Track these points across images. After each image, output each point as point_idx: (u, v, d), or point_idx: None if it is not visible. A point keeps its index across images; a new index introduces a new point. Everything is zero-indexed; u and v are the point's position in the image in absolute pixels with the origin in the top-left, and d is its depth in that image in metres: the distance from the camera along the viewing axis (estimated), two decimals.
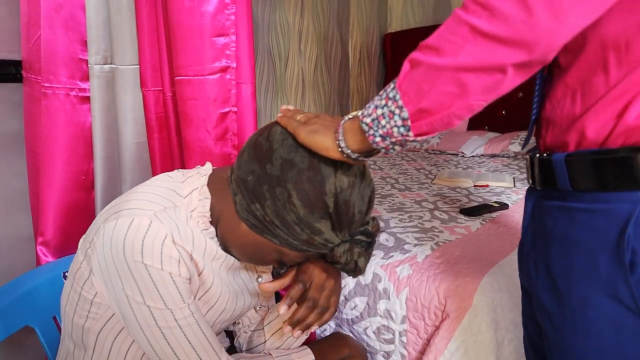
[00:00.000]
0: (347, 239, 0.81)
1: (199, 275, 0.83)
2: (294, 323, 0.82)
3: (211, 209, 0.84)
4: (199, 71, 1.00)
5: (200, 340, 0.79)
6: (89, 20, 1.11)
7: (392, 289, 1.18)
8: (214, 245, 0.85)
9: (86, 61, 1.14)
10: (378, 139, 0.61)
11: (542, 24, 0.47)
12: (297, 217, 0.75)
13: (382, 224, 1.46)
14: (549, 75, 0.67)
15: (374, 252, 1.26)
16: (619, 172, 0.56)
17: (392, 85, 0.59)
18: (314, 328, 0.84)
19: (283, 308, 0.81)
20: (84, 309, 0.84)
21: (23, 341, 1.08)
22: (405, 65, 0.57)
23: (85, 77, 1.14)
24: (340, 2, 3.22)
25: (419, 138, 0.58)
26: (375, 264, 1.23)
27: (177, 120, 1.11)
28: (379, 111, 0.60)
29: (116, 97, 1.16)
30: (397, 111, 0.58)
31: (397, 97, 0.57)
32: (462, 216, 1.55)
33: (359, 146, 0.65)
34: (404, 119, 0.57)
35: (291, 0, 2.89)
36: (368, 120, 0.61)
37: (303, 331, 0.83)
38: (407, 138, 0.59)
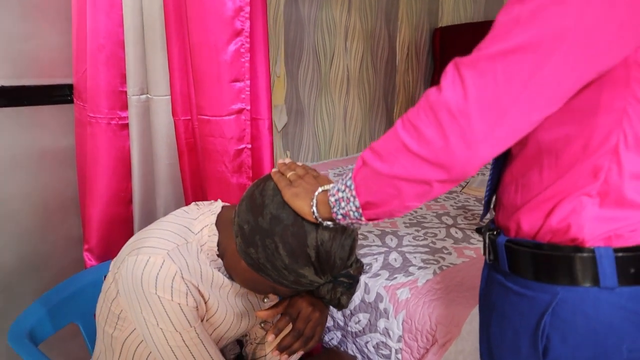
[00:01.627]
0: (331, 280, 0.92)
1: (205, 302, 0.96)
2: (281, 348, 0.95)
3: (218, 244, 0.97)
4: (217, 112, 1.12)
5: (204, 357, 0.94)
6: (127, 57, 1.25)
7: (391, 309, 1.28)
8: (221, 276, 0.98)
9: (125, 92, 1.28)
10: (340, 217, 0.71)
11: (457, 153, 0.54)
12: (284, 264, 0.86)
13: (393, 243, 1.54)
14: (505, 157, 0.73)
15: (379, 272, 1.37)
16: (543, 266, 0.63)
17: (350, 174, 0.68)
18: (299, 354, 0.96)
19: (271, 337, 0.93)
20: (112, 320, 1.00)
21: (69, 336, 1.27)
22: (359, 161, 0.66)
23: (125, 107, 1.29)
24: None
25: (370, 222, 0.68)
26: (380, 284, 1.32)
27: None
28: (340, 194, 0.69)
29: (151, 124, 1.30)
30: (352, 199, 0.67)
31: (352, 187, 0.67)
32: (476, 236, 1.61)
33: (329, 216, 0.75)
34: (357, 207, 0.67)
35: None
36: (332, 199, 0.71)
37: (290, 355, 0.95)
38: (360, 222, 0.68)
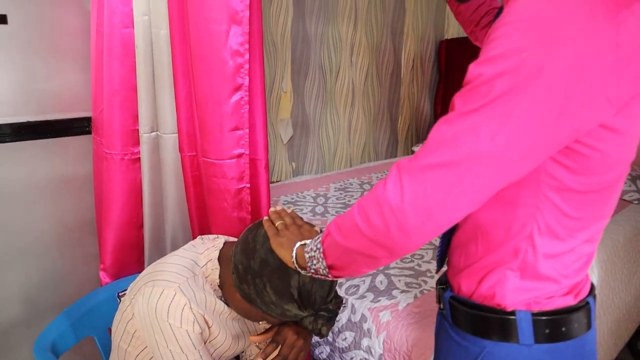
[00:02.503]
0: (313, 313, 1.06)
1: (209, 328, 1.11)
2: None
3: (219, 277, 1.12)
4: (220, 156, 1.26)
5: None
6: (139, 100, 1.39)
7: (374, 329, 1.41)
8: (221, 303, 1.13)
9: (137, 130, 1.42)
10: (312, 271, 0.84)
11: (395, 239, 0.67)
12: (271, 300, 1.00)
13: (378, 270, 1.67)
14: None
15: (365, 294, 1.50)
16: (475, 323, 0.76)
17: (320, 238, 0.81)
18: None
19: None
20: (127, 338, 1.15)
21: (85, 347, 1.43)
22: (326, 230, 0.79)
23: (137, 143, 1.43)
24: (395, 13, 3.32)
25: (336, 280, 0.81)
26: (365, 306, 1.46)
27: None
28: (312, 253, 0.83)
29: (160, 159, 1.44)
30: (320, 259, 0.81)
31: (321, 250, 0.80)
32: None
33: (306, 266, 0.89)
34: (324, 266, 0.80)
35: (344, 14, 3.05)
36: (307, 256, 0.85)
37: None
38: (328, 277, 0.81)
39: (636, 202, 2.40)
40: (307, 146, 3.04)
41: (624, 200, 2.42)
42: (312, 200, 2.33)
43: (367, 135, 3.38)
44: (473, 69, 0.60)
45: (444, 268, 0.92)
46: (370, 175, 2.79)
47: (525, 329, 0.72)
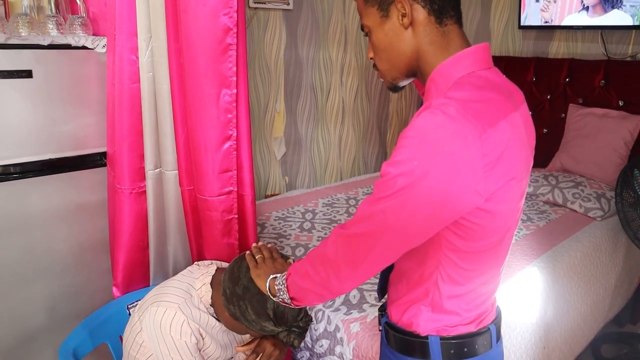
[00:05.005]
0: (286, 329, 1.30)
1: (203, 339, 1.36)
2: None
3: (212, 298, 1.36)
4: (212, 194, 1.50)
5: None
6: (145, 143, 1.63)
7: (345, 338, 1.65)
8: (213, 319, 1.38)
9: (143, 168, 1.67)
10: (280, 300, 1.09)
11: (333, 284, 0.92)
12: (252, 318, 1.25)
13: None
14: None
15: (339, 307, 1.75)
16: (401, 344, 1.00)
17: (284, 275, 1.06)
18: None
19: None
20: (135, 347, 1.40)
21: (101, 352, 1.67)
22: (289, 270, 1.04)
23: (143, 179, 1.67)
24: None
25: (299, 307, 1.05)
26: (339, 317, 1.70)
27: None
28: (279, 286, 1.07)
29: (163, 192, 1.69)
30: (285, 291, 1.05)
31: (285, 285, 1.04)
32: None
33: (276, 295, 1.13)
34: (288, 297, 1.04)
35: (335, 39, 3.28)
36: (276, 288, 1.09)
37: None
38: (292, 306, 1.06)
39: (599, 218, 2.62)
40: (299, 161, 3.28)
41: (588, 216, 2.64)
42: (301, 216, 2.57)
43: (357, 149, 3.62)
44: (384, 167, 0.84)
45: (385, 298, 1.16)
46: (357, 189, 3.02)
47: (435, 349, 0.97)
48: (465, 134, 0.79)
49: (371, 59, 1.01)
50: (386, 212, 0.83)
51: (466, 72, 0.88)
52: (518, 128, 0.86)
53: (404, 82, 0.99)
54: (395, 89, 1.02)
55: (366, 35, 0.99)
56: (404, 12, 0.90)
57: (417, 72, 0.95)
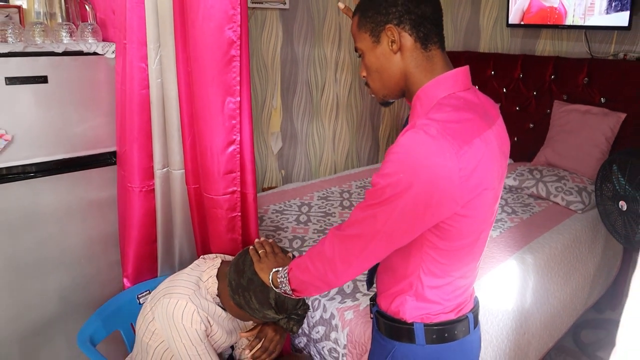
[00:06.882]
0: (286, 316, 1.44)
1: (211, 326, 1.49)
2: (254, 358, 1.48)
3: (218, 289, 1.50)
4: (217, 194, 1.62)
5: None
6: (154, 144, 1.74)
7: (340, 325, 1.79)
8: (219, 308, 1.51)
9: (152, 167, 1.79)
10: (282, 291, 1.22)
11: (330, 278, 1.05)
12: (255, 307, 1.38)
13: None
14: None
15: (334, 296, 1.89)
16: (389, 330, 1.14)
17: (286, 269, 1.18)
18: None
19: (247, 351, 1.47)
20: (148, 334, 1.53)
21: (114, 339, 1.80)
22: (290, 265, 1.17)
23: (152, 177, 1.79)
24: None
25: (298, 298, 1.19)
26: (334, 306, 1.84)
27: None
28: (281, 279, 1.20)
29: (170, 189, 1.81)
30: (287, 283, 1.18)
31: (287, 277, 1.17)
32: None
33: (278, 287, 1.26)
34: (290, 289, 1.18)
35: (329, 37, 3.39)
36: (278, 280, 1.22)
37: None
38: (292, 296, 1.19)
39: (580, 211, 2.77)
40: (295, 155, 3.40)
41: (570, 209, 2.78)
42: (297, 209, 2.70)
43: (351, 143, 3.74)
44: (375, 178, 0.96)
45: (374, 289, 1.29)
46: (350, 183, 3.15)
47: (419, 334, 1.10)
48: (444, 151, 0.91)
49: (364, 77, 1.13)
50: (376, 217, 0.96)
51: (447, 93, 1.01)
52: (491, 144, 0.99)
53: (394, 99, 1.12)
54: (385, 104, 1.15)
55: (359, 56, 1.12)
56: (393, 39, 1.02)
57: (405, 90, 1.08)
